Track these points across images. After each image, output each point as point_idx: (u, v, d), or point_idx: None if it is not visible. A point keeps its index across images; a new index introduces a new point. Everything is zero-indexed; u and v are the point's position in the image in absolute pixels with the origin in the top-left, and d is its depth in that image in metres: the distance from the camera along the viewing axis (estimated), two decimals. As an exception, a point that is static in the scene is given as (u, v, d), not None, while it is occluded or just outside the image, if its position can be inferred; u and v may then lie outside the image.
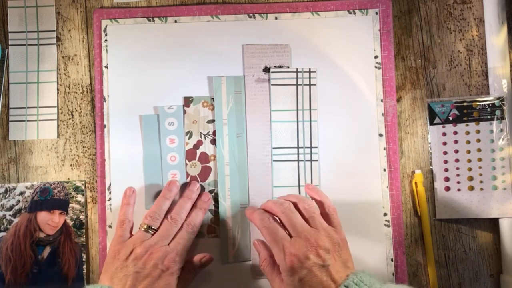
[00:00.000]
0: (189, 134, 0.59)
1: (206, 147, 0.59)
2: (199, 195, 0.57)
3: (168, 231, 0.53)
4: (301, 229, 0.48)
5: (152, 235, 0.52)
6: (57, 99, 0.60)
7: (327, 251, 0.47)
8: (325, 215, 0.52)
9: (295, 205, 0.51)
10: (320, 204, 0.53)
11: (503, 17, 0.59)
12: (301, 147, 0.59)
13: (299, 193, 0.58)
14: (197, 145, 0.59)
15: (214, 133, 0.59)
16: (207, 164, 0.59)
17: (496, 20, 0.59)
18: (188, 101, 0.59)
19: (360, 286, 0.44)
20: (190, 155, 0.59)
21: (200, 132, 0.59)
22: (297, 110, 0.59)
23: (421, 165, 0.59)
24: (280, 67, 0.59)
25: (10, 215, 0.58)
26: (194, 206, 0.56)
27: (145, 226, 0.53)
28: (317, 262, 0.46)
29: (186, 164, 0.59)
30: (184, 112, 0.59)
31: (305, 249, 0.47)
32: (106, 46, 0.60)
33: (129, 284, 0.48)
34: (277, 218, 0.51)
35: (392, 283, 0.46)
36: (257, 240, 0.54)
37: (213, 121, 0.59)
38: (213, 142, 0.59)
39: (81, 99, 0.60)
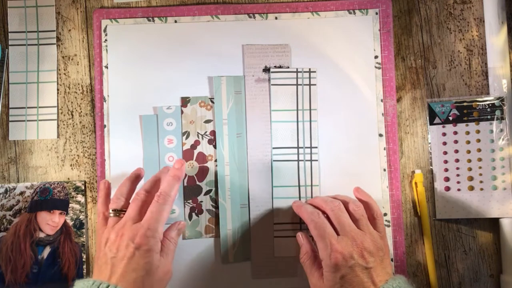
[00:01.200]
0: (186, 134, 0.59)
1: (204, 147, 0.59)
2: (174, 163, 0.54)
3: (134, 208, 0.51)
4: (349, 228, 0.50)
5: (121, 216, 0.52)
6: (57, 99, 0.60)
7: (371, 254, 0.48)
8: (372, 219, 0.52)
9: (344, 205, 0.52)
10: (368, 207, 0.53)
11: (503, 17, 0.59)
12: (301, 147, 0.59)
13: (299, 193, 0.58)
14: (194, 145, 0.59)
15: (211, 133, 0.59)
16: (204, 164, 0.59)
17: (496, 20, 0.59)
18: (185, 101, 0.59)
19: None
20: (188, 155, 0.59)
21: (198, 132, 0.59)
22: (297, 110, 0.59)
23: (421, 165, 0.59)
24: (280, 67, 0.59)
25: (10, 215, 0.58)
26: (164, 174, 0.54)
27: (111, 211, 0.52)
28: (361, 263, 0.47)
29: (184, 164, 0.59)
30: (181, 112, 0.59)
31: (351, 249, 0.48)
32: (106, 46, 0.60)
33: (109, 270, 0.48)
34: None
35: None
36: (301, 232, 0.55)
37: (210, 121, 0.59)
38: (211, 142, 0.59)
39: (81, 99, 0.60)
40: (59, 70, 0.60)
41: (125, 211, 0.51)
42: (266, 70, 0.59)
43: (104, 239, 0.50)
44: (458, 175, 0.58)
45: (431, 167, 0.59)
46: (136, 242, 0.48)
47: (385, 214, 0.58)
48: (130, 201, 0.52)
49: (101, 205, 0.54)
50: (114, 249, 0.48)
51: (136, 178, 0.55)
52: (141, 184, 0.57)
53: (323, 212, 0.52)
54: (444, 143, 0.59)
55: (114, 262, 0.48)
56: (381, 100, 0.59)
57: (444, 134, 0.59)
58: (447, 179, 0.59)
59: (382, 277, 0.48)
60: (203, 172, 0.58)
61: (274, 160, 0.58)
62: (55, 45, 0.61)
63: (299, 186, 0.58)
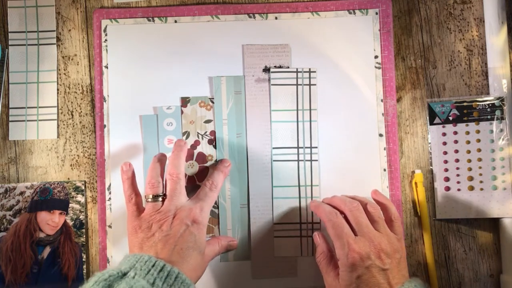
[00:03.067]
0: (186, 134, 0.59)
1: (204, 147, 0.59)
2: (221, 161, 0.57)
3: (176, 189, 0.52)
4: (367, 229, 0.50)
5: (162, 201, 0.52)
6: (57, 99, 0.60)
7: (388, 255, 0.48)
8: (389, 222, 0.53)
9: (362, 206, 0.52)
10: (386, 210, 0.53)
11: (503, 17, 0.59)
12: (301, 147, 0.59)
13: (299, 193, 0.58)
14: (194, 145, 0.59)
15: (211, 133, 0.59)
16: (204, 164, 0.59)
17: (496, 20, 0.59)
18: (185, 101, 0.59)
19: None
20: (188, 155, 0.59)
21: (198, 132, 0.59)
22: (297, 110, 0.59)
23: (421, 165, 0.59)
24: (280, 67, 0.59)
25: (10, 215, 0.58)
26: (215, 168, 0.56)
27: (151, 197, 0.52)
28: (377, 264, 0.48)
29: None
30: (181, 112, 0.59)
31: (368, 249, 0.48)
32: (106, 46, 0.60)
33: (160, 247, 0.48)
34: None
35: None
36: (318, 232, 0.55)
37: (210, 121, 0.59)
38: (211, 142, 0.59)
39: (81, 99, 0.60)
40: (59, 70, 0.60)
41: (163, 195, 0.52)
42: (266, 70, 0.59)
43: (147, 222, 0.50)
44: (458, 175, 0.58)
45: (431, 167, 0.59)
46: (191, 218, 0.49)
47: (385, 214, 0.58)
48: (168, 184, 0.52)
49: (130, 189, 0.54)
50: (165, 227, 0.49)
51: (164, 159, 0.55)
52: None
53: (341, 212, 0.52)
54: (444, 143, 0.59)
55: (167, 239, 0.48)
56: (381, 100, 0.59)
57: (444, 134, 0.59)
58: (447, 179, 0.59)
59: (399, 279, 0.48)
60: (203, 172, 0.58)
61: (274, 160, 0.58)
62: (55, 45, 0.61)
63: (299, 186, 0.58)
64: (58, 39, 0.61)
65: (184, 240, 0.48)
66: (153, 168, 0.53)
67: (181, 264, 0.47)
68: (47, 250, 0.58)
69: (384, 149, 0.59)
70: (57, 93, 0.60)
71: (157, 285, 0.44)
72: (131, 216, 0.52)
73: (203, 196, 0.53)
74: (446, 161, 0.59)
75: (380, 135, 0.59)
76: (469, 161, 0.58)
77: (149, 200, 0.52)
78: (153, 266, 0.45)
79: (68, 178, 0.59)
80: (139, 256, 0.46)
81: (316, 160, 0.58)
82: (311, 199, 0.58)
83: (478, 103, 0.59)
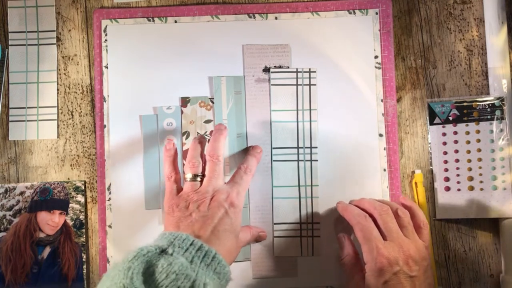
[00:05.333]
0: (186, 134, 0.59)
1: (204, 147, 0.59)
2: (253, 147, 0.57)
3: (215, 170, 0.52)
4: (396, 235, 0.50)
5: (201, 181, 0.52)
6: (57, 99, 0.60)
7: (416, 262, 0.48)
8: (418, 228, 0.52)
9: (392, 211, 0.52)
10: (414, 216, 0.53)
11: (503, 17, 0.59)
12: (301, 147, 0.59)
13: (299, 193, 0.58)
14: (196, 145, 0.59)
15: (211, 133, 0.59)
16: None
17: (496, 20, 0.59)
18: (185, 101, 0.59)
19: None
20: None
21: (198, 132, 0.59)
22: (297, 110, 0.59)
23: (421, 165, 0.59)
24: (280, 67, 0.59)
25: (10, 215, 0.58)
26: (248, 153, 0.56)
27: (190, 175, 0.52)
28: (405, 271, 0.47)
29: (183, 164, 0.58)
30: (181, 112, 0.59)
31: (397, 255, 0.48)
32: (106, 46, 0.60)
33: (197, 227, 0.48)
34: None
35: None
36: (342, 234, 0.55)
37: (210, 121, 0.59)
38: (213, 142, 0.59)
39: (81, 99, 0.60)
40: (59, 70, 0.60)
41: (202, 175, 0.52)
42: (266, 70, 0.59)
43: (185, 201, 0.50)
44: (458, 175, 0.58)
45: (431, 167, 0.59)
46: (228, 201, 0.50)
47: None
48: (208, 165, 0.52)
49: (170, 167, 0.54)
50: (203, 208, 0.49)
51: (204, 141, 0.56)
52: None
53: (370, 216, 0.52)
54: (444, 143, 0.59)
55: (204, 220, 0.48)
56: (381, 100, 0.59)
57: (444, 134, 0.59)
58: (447, 179, 0.59)
59: (425, 287, 0.48)
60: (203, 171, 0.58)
61: (274, 160, 0.58)
62: (55, 45, 0.61)
63: (299, 186, 0.58)
64: (58, 39, 0.61)
65: (222, 222, 0.48)
66: (194, 148, 0.54)
67: (217, 246, 0.47)
68: (47, 250, 0.58)
69: (384, 149, 0.59)
70: (57, 93, 0.60)
71: (195, 263, 0.43)
72: (169, 194, 0.52)
73: (239, 179, 0.53)
74: (446, 161, 0.59)
75: (380, 135, 0.59)
76: (469, 161, 0.58)
77: (188, 179, 0.52)
78: (191, 244, 0.44)
79: (68, 178, 0.59)
80: (176, 234, 0.45)
81: (316, 160, 0.58)
82: (311, 199, 0.58)
83: (478, 103, 0.59)
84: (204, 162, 0.54)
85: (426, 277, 0.49)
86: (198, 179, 0.52)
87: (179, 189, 0.53)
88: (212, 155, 0.53)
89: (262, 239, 0.57)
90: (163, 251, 0.43)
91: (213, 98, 0.59)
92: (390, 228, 0.50)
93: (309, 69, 0.59)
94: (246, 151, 0.58)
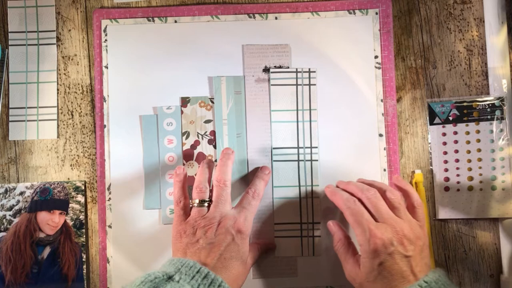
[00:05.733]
0: (186, 134, 0.59)
1: (204, 147, 0.59)
2: (261, 168, 0.57)
3: (222, 195, 0.51)
4: (387, 216, 0.49)
5: (208, 206, 0.52)
6: (57, 99, 0.60)
7: (410, 242, 0.47)
8: (411, 208, 0.52)
9: (380, 193, 0.51)
10: (407, 196, 0.53)
11: (503, 17, 0.59)
12: (301, 147, 0.59)
13: (300, 193, 0.58)
14: (194, 145, 0.59)
15: (211, 133, 0.59)
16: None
17: (496, 20, 0.59)
18: (185, 101, 0.59)
19: (438, 285, 0.45)
20: (188, 155, 0.59)
21: (197, 132, 0.59)
22: (297, 110, 0.59)
23: (421, 165, 0.59)
24: (280, 67, 0.59)
25: (10, 215, 0.58)
26: (255, 176, 0.56)
27: (197, 201, 0.52)
28: (400, 251, 0.47)
29: (184, 164, 0.59)
30: (181, 112, 0.59)
31: (391, 235, 0.47)
32: (106, 46, 0.60)
33: (204, 254, 0.48)
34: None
35: None
36: (331, 221, 0.55)
37: (210, 121, 0.59)
38: (210, 142, 0.59)
39: (81, 99, 0.60)
40: (59, 70, 0.60)
41: (209, 200, 0.52)
42: (266, 70, 0.59)
43: (191, 227, 0.50)
44: (458, 175, 0.58)
45: (431, 167, 0.59)
46: (235, 228, 0.49)
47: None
48: (214, 190, 0.52)
49: (180, 192, 0.53)
50: (210, 235, 0.49)
51: (212, 165, 0.55)
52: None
53: (358, 200, 0.51)
54: (444, 143, 0.59)
55: (211, 247, 0.48)
56: (381, 100, 0.59)
57: (444, 134, 0.59)
58: (447, 179, 0.59)
59: (421, 267, 0.47)
60: (203, 172, 0.58)
61: (274, 160, 0.58)
62: (55, 45, 0.61)
63: (299, 186, 0.58)
64: (58, 39, 0.61)
65: (229, 249, 0.49)
66: (202, 173, 0.54)
67: (224, 273, 0.47)
68: (47, 250, 0.58)
69: (384, 149, 0.59)
70: (57, 93, 0.60)
71: None
72: (177, 220, 0.52)
73: (247, 204, 0.52)
74: (446, 161, 0.59)
75: (380, 135, 0.59)
76: (469, 161, 0.58)
77: (195, 204, 0.52)
78: (197, 272, 0.45)
79: (68, 178, 0.59)
80: (184, 261, 0.46)
81: (316, 160, 0.58)
82: (312, 199, 0.58)
83: (478, 103, 0.59)
84: (212, 187, 0.53)
85: (422, 257, 0.48)
86: (206, 204, 0.52)
87: (188, 215, 0.52)
88: (219, 180, 0.52)
89: (272, 247, 0.57)
90: (170, 278, 0.44)
91: (213, 98, 0.59)
92: (379, 210, 0.49)
93: (309, 69, 0.59)
94: (254, 174, 0.57)
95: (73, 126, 0.60)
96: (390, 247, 0.47)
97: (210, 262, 0.47)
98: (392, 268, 0.46)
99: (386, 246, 0.47)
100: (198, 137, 0.59)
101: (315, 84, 0.59)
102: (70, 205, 0.58)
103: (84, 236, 0.58)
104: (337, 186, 0.56)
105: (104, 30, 0.60)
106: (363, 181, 0.55)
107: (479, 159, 0.58)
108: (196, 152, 0.59)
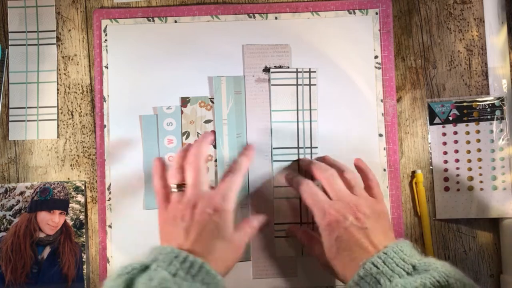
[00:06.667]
0: (186, 134, 0.59)
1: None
2: (245, 147, 0.57)
3: (196, 178, 0.50)
4: (343, 193, 0.49)
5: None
6: (57, 99, 0.60)
7: (366, 216, 0.48)
8: (368, 188, 0.52)
9: (339, 173, 0.52)
10: (365, 177, 0.53)
11: (503, 17, 0.59)
12: (301, 147, 0.59)
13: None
14: (196, 145, 0.59)
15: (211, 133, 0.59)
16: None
17: (496, 20, 0.59)
18: (185, 101, 0.59)
19: (399, 254, 0.44)
20: (190, 155, 0.59)
21: (197, 132, 0.59)
22: (297, 110, 0.59)
23: (421, 165, 0.59)
24: (280, 67, 0.59)
25: (10, 215, 0.58)
26: (239, 154, 0.56)
27: (174, 187, 0.51)
28: (355, 224, 0.47)
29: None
30: (181, 112, 0.59)
31: (344, 211, 0.48)
32: (106, 46, 0.60)
33: (182, 239, 0.47)
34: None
35: (434, 259, 0.46)
36: (288, 227, 0.57)
37: (210, 121, 0.59)
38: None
39: (81, 99, 0.60)
40: (59, 70, 0.60)
41: (185, 183, 0.51)
42: (266, 70, 0.59)
43: (171, 215, 0.49)
44: (458, 175, 0.58)
45: (431, 167, 0.59)
46: (212, 206, 0.48)
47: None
48: (188, 173, 0.51)
49: (159, 181, 0.52)
50: (187, 218, 0.48)
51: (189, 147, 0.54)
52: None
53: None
54: (444, 143, 0.59)
55: (189, 229, 0.47)
56: (381, 100, 0.59)
57: (444, 134, 0.59)
58: (447, 179, 0.59)
59: (383, 240, 0.47)
60: (203, 172, 0.58)
61: (274, 160, 0.58)
62: (55, 45, 0.61)
63: (299, 186, 0.58)
64: (58, 39, 0.61)
65: (207, 230, 0.47)
66: (178, 158, 0.53)
67: (206, 255, 0.46)
68: (47, 250, 0.58)
69: (384, 149, 0.59)
70: (57, 93, 0.60)
71: (180, 276, 0.42)
72: (160, 210, 0.51)
73: (226, 181, 0.51)
74: (446, 161, 0.59)
75: (380, 135, 0.59)
76: (469, 161, 0.58)
77: (174, 189, 0.51)
78: (175, 257, 0.44)
79: (68, 178, 0.59)
80: (161, 248, 0.45)
81: (316, 160, 0.58)
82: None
83: (478, 103, 0.59)
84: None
85: (382, 230, 0.48)
86: (182, 188, 0.50)
87: (168, 203, 0.51)
88: (191, 162, 0.51)
89: (265, 224, 0.54)
90: (147, 267, 0.43)
91: (213, 98, 0.59)
92: (336, 189, 0.50)
93: (309, 69, 0.59)
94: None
95: (73, 126, 0.60)
96: (345, 222, 0.47)
97: (189, 245, 0.46)
98: (350, 241, 0.46)
99: (339, 221, 0.47)
100: (198, 137, 0.59)
101: (315, 84, 0.59)
102: (70, 205, 0.58)
103: (84, 236, 0.58)
104: (301, 164, 0.57)
105: (104, 30, 0.60)
106: (327, 159, 0.56)
107: (479, 159, 0.58)
108: (196, 152, 0.59)
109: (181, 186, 0.51)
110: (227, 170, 0.52)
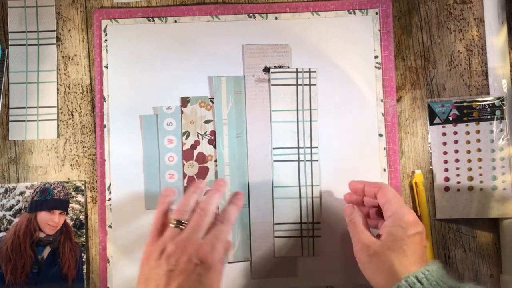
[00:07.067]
0: (186, 134, 0.59)
1: (203, 147, 0.59)
2: (234, 194, 0.54)
3: (199, 223, 0.48)
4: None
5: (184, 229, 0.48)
6: (57, 99, 0.60)
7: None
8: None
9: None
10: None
11: (503, 17, 0.59)
12: (301, 147, 0.59)
13: (300, 193, 0.58)
14: (194, 145, 0.59)
15: (211, 133, 0.59)
16: (204, 164, 0.59)
17: (496, 20, 0.59)
18: (185, 101, 0.59)
19: (434, 278, 0.45)
20: (187, 155, 0.59)
21: (197, 132, 0.59)
22: (297, 110, 0.59)
23: (421, 165, 0.59)
24: (280, 67, 0.59)
25: (10, 215, 0.58)
26: (227, 202, 0.53)
27: (174, 222, 0.48)
28: (423, 236, 0.48)
29: (183, 164, 0.59)
30: (181, 112, 0.59)
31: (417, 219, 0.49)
32: (106, 46, 0.60)
33: (163, 283, 0.44)
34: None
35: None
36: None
37: (210, 121, 0.59)
38: (210, 142, 0.59)
39: (81, 99, 0.60)
40: (59, 70, 0.60)
41: (186, 223, 0.48)
42: (266, 70, 0.59)
43: (160, 249, 0.46)
44: (458, 175, 0.58)
45: (431, 167, 0.59)
46: (199, 257, 0.45)
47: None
48: (194, 216, 0.49)
49: (162, 214, 0.50)
50: (173, 261, 0.45)
51: (202, 192, 0.52)
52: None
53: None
54: (444, 143, 0.59)
55: (170, 275, 0.45)
56: (381, 100, 0.59)
57: (444, 134, 0.59)
58: (447, 179, 0.59)
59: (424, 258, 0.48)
60: (203, 172, 0.58)
61: (274, 160, 0.58)
62: (55, 45, 0.61)
63: (299, 186, 0.58)
64: (58, 39, 0.61)
65: (189, 280, 0.44)
66: (187, 197, 0.50)
67: None
68: (47, 250, 0.58)
69: (384, 149, 0.59)
70: (57, 93, 0.60)
71: None
72: (149, 240, 0.49)
73: (215, 231, 0.48)
74: (446, 161, 0.59)
75: (380, 135, 0.59)
76: (469, 161, 0.58)
77: (172, 224, 0.48)
78: None
79: (68, 178, 0.59)
80: None
81: (316, 160, 0.58)
82: (312, 199, 0.58)
83: (478, 103, 0.59)
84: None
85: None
86: (181, 226, 0.48)
87: (161, 235, 0.48)
88: (202, 208, 0.49)
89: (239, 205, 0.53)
90: None
91: (213, 98, 0.59)
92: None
93: (309, 69, 0.59)
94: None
95: (73, 126, 0.60)
96: (419, 227, 0.48)
97: None
98: (417, 244, 0.47)
99: (418, 222, 0.48)
100: (198, 137, 0.59)
101: (315, 84, 0.59)
102: (70, 205, 0.58)
103: (84, 236, 0.58)
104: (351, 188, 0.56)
105: (104, 30, 0.60)
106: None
107: (479, 159, 0.58)
108: (196, 152, 0.59)
109: (180, 224, 0.48)
110: (214, 219, 0.49)
